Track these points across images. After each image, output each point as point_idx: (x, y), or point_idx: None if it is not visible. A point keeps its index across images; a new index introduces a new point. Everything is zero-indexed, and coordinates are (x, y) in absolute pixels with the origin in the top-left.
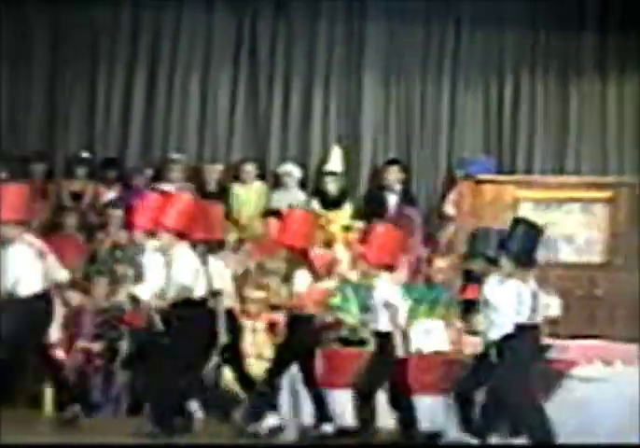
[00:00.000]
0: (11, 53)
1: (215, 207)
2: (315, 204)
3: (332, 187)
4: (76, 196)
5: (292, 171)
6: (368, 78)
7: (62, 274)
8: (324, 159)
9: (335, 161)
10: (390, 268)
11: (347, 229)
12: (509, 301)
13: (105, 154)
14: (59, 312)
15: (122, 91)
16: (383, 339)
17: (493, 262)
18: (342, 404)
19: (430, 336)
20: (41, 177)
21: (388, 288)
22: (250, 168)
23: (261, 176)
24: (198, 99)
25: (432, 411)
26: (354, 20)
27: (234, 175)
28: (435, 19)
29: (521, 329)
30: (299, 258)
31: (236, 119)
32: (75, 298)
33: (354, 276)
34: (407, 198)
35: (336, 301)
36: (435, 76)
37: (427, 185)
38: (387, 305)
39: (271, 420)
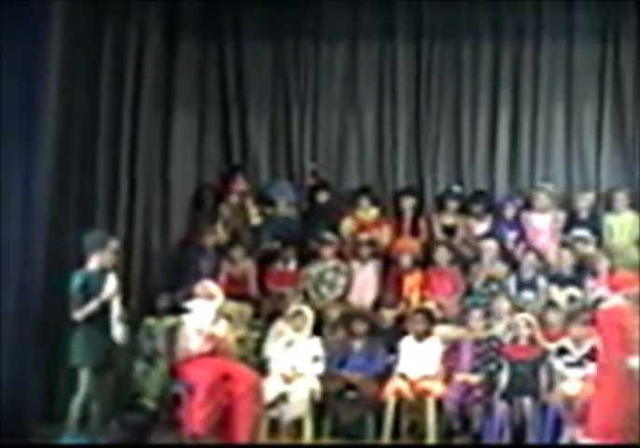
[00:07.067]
0: (378, 94)
1: None
2: None
3: None
4: (448, 230)
5: None
6: None
7: None
8: None
9: None
10: None
11: None
12: None
13: (474, 187)
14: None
15: (487, 122)
16: None
17: None
18: None
19: None
20: (411, 212)
21: None
22: (622, 197)
23: (632, 205)
24: (563, 127)
25: None
26: None
27: (606, 203)
28: None
29: None
30: None
31: (603, 147)
32: (453, 331)
33: None
34: None
35: None
36: None
37: None
38: None
39: None
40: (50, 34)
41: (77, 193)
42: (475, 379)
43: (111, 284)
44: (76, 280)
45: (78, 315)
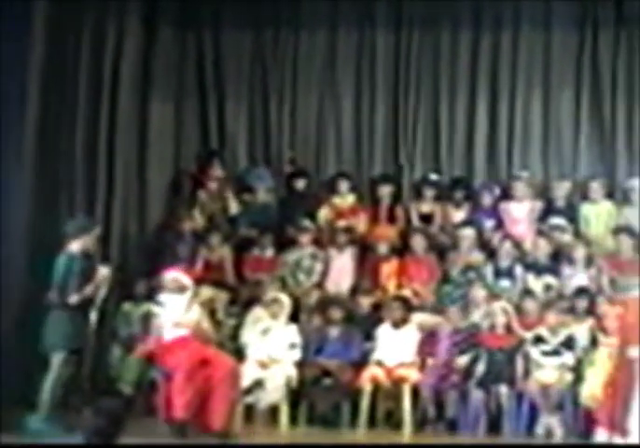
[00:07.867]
0: (356, 82)
1: None
2: None
3: None
4: (425, 218)
5: (638, 186)
6: None
7: None
8: None
9: None
10: None
11: None
12: None
13: (451, 174)
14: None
15: (465, 111)
16: None
17: None
18: None
19: None
20: (388, 200)
21: None
22: (597, 186)
23: (610, 194)
24: (540, 116)
25: None
26: None
27: (582, 192)
28: None
29: None
30: None
31: (581, 136)
32: (430, 319)
33: None
34: None
35: None
36: None
37: None
38: None
39: None
40: (33, 27)
41: (56, 180)
42: (452, 365)
43: (104, 270)
44: (75, 264)
45: (74, 298)
